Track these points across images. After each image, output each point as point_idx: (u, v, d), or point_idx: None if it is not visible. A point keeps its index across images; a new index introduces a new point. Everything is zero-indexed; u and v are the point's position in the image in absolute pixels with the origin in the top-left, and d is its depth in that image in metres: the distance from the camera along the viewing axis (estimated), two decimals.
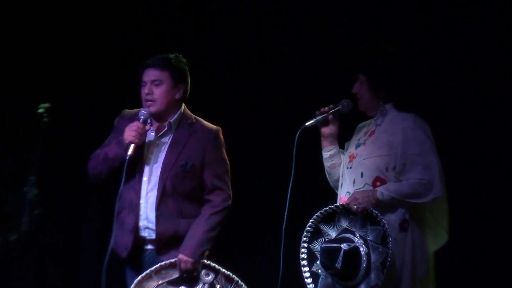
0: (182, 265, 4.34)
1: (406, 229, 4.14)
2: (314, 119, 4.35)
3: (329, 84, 5.63)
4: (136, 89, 4.49)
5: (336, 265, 4.03)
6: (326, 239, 4.17)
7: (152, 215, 4.38)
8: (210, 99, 6.13)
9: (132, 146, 4.27)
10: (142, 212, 4.37)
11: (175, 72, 4.39)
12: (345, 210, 4.15)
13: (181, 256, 4.35)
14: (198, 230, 4.38)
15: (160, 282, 4.33)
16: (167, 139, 4.44)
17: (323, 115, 4.35)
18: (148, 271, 4.32)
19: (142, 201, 4.37)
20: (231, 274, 4.42)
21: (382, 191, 4.10)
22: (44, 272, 5.62)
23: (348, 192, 4.26)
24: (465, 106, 5.55)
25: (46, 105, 4.38)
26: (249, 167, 6.06)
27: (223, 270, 4.42)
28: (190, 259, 4.34)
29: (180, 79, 4.42)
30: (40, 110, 4.37)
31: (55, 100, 4.47)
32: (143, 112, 4.34)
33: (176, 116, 4.43)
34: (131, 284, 4.32)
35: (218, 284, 4.40)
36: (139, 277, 4.30)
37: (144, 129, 4.33)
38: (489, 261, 5.49)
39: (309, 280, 4.19)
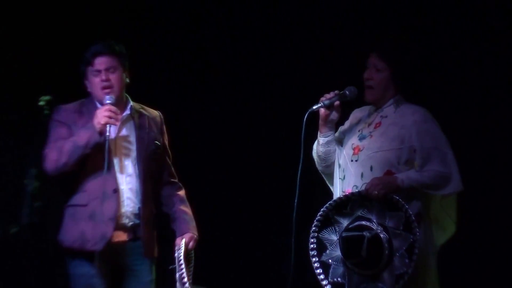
0: (193, 244, 4.43)
1: (419, 222, 4.10)
2: (321, 103, 4.30)
3: (334, 69, 5.62)
4: None
5: (361, 253, 3.99)
6: (337, 228, 4.13)
7: (136, 200, 4.36)
8: (214, 85, 6.14)
9: (108, 127, 4.23)
10: (124, 198, 4.34)
11: (123, 58, 4.40)
12: (361, 198, 4.10)
13: (191, 235, 4.44)
14: (190, 211, 4.52)
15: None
16: (130, 124, 4.43)
17: (330, 100, 4.30)
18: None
19: (122, 187, 4.34)
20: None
21: (402, 179, 4.08)
22: (46, 265, 5.61)
23: (355, 185, 4.22)
24: (469, 99, 5.53)
25: (47, 97, 4.37)
26: (255, 154, 6.06)
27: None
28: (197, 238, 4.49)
29: (126, 65, 4.42)
30: (41, 103, 4.36)
31: (56, 92, 4.46)
32: (108, 96, 4.30)
33: (131, 101, 4.44)
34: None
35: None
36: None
37: (117, 110, 4.30)
38: (492, 256, 5.47)
39: (319, 271, 4.14)
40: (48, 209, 4.52)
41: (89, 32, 5.57)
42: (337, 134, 4.43)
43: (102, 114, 4.22)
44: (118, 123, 4.32)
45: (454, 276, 5.06)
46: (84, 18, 5.79)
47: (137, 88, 4.50)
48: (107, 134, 4.22)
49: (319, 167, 4.47)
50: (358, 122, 4.41)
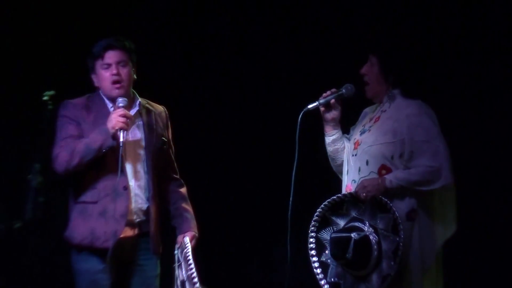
0: (194, 242, 4.44)
1: (413, 219, 4.12)
2: (317, 102, 4.34)
3: (334, 67, 5.61)
4: None
5: (347, 255, 4.01)
6: (335, 228, 4.16)
7: (143, 197, 4.39)
8: (212, 83, 6.13)
9: (121, 133, 4.24)
10: (133, 194, 4.36)
11: (132, 54, 4.42)
12: (354, 199, 4.13)
13: (193, 233, 4.47)
14: (191, 209, 4.55)
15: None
16: (138, 121, 4.44)
17: (325, 99, 4.34)
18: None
19: (131, 184, 4.36)
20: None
21: (391, 179, 4.09)
22: (50, 260, 5.62)
23: (353, 180, 4.25)
24: (471, 93, 5.52)
25: (51, 92, 4.36)
26: (251, 153, 6.05)
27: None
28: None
29: (134, 61, 4.44)
30: (45, 98, 4.35)
31: (60, 87, 4.45)
32: (121, 99, 4.31)
33: (139, 98, 4.46)
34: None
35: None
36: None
37: (131, 115, 4.32)
38: (497, 254, 5.45)
39: (318, 270, 4.18)
40: (52, 205, 4.51)
41: (92, 27, 5.58)
42: (350, 134, 4.46)
43: (116, 120, 4.24)
44: (129, 128, 4.32)
45: (459, 273, 5.05)
46: (86, 12, 5.80)
47: (139, 84, 4.50)
48: (121, 140, 4.24)
49: (333, 167, 4.50)
50: (364, 118, 4.44)
